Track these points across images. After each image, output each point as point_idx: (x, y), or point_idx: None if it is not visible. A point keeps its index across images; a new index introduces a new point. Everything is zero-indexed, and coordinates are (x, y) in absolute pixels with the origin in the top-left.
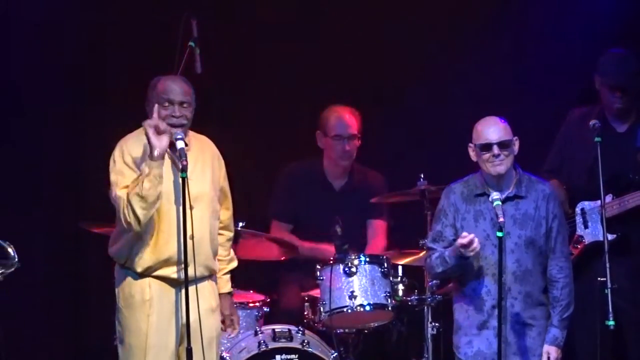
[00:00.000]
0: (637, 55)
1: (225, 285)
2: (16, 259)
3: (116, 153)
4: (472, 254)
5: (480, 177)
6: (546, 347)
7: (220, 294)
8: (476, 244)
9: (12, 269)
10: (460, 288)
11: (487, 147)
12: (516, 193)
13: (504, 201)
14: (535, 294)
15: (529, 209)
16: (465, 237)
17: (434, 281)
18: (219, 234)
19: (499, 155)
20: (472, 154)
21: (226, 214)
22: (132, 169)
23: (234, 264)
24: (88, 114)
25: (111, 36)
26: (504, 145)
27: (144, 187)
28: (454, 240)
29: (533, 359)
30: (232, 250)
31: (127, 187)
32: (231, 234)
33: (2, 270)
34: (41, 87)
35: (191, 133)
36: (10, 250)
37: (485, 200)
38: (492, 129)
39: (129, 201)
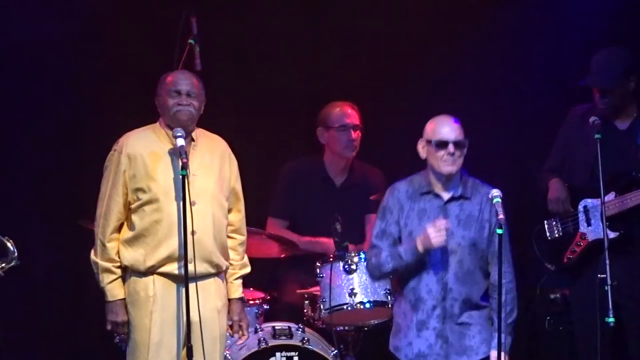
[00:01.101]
0: (626, 53)
1: (237, 290)
2: (15, 254)
3: (114, 156)
4: (438, 243)
5: (425, 176)
6: (493, 353)
7: (230, 299)
8: (443, 238)
9: (12, 264)
10: (400, 289)
11: (443, 144)
12: (462, 194)
13: (448, 201)
14: (474, 297)
15: (473, 211)
16: (439, 224)
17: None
18: (231, 238)
19: (453, 154)
20: (422, 151)
21: (237, 217)
22: (119, 195)
23: (247, 269)
24: (87, 110)
25: (111, 34)
26: (459, 145)
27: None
28: (399, 238)
29: (476, 358)
30: (245, 256)
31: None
32: (243, 238)
33: (2, 265)
34: (41, 85)
35: (201, 130)
36: (9, 245)
37: (430, 199)
38: (448, 128)
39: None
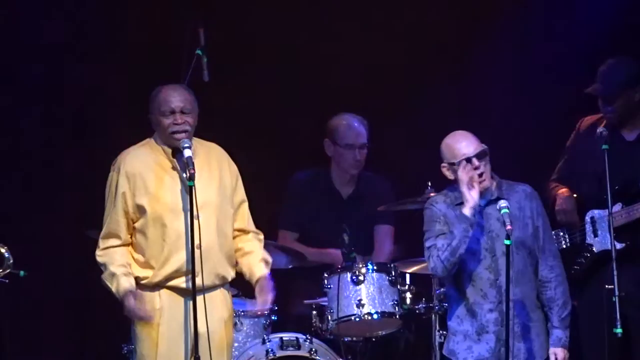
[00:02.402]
0: (632, 63)
1: (261, 270)
2: (11, 260)
3: (113, 177)
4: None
5: (457, 189)
6: (552, 349)
7: (258, 278)
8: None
9: (8, 271)
10: (455, 295)
11: (467, 162)
12: (499, 195)
13: (487, 204)
14: (530, 295)
15: (513, 210)
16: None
17: (441, 289)
18: (242, 234)
19: (478, 167)
20: (448, 174)
21: (245, 220)
22: (123, 213)
23: (269, 258)
24: (94, 121)
25: (118, 46)
26: (481, 155)
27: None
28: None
29: None
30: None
31: (108, 253)
32: (261, 235)
33: None
34: (48, 94)
35: (197, 140)
36: (4, 251)
37: None
38: (465, 143)
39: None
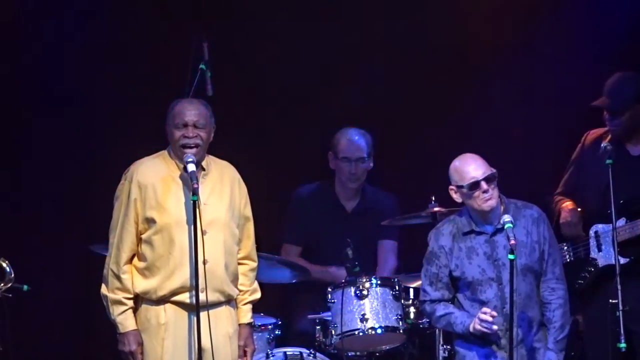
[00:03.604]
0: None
1: (245, 315)
2: (12, 275)
3: (124, 186)
4: (491, 330)
5: (466, 215)
6: None
7: (239, 324)
8: (496, 327)
9: (10, 285)
10: None
11: (475, 185)
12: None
13: (494, 233)
14: (537, 319)
15: (520, 237)
16: (486, 314)
17: None
18: (242, 264)
19: (487, 190)
20: (456, 196)
21: (247, 243)
22: (131, 225)
23: (257, 295)
24: (99, 136)
25: (122, 60)
26: (490, 179)
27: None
28: (451, 279)
29: None
30: (256, 282)
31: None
32: (254, 264)
33: (0, 286)
34: (52, 109)
35: (211, 157)
36: (5, 265)
37: (475, 236)
38: (473, 166)
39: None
